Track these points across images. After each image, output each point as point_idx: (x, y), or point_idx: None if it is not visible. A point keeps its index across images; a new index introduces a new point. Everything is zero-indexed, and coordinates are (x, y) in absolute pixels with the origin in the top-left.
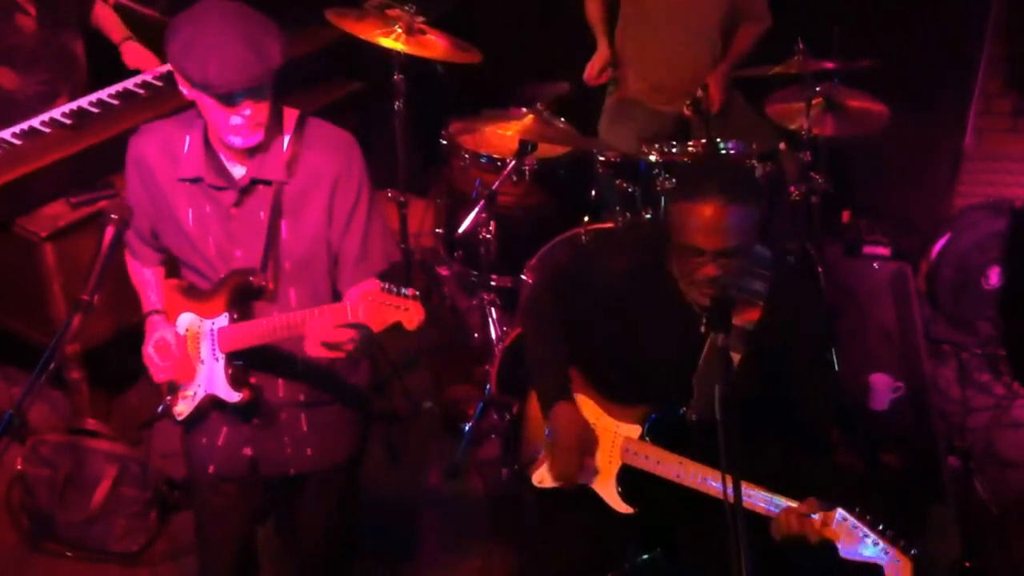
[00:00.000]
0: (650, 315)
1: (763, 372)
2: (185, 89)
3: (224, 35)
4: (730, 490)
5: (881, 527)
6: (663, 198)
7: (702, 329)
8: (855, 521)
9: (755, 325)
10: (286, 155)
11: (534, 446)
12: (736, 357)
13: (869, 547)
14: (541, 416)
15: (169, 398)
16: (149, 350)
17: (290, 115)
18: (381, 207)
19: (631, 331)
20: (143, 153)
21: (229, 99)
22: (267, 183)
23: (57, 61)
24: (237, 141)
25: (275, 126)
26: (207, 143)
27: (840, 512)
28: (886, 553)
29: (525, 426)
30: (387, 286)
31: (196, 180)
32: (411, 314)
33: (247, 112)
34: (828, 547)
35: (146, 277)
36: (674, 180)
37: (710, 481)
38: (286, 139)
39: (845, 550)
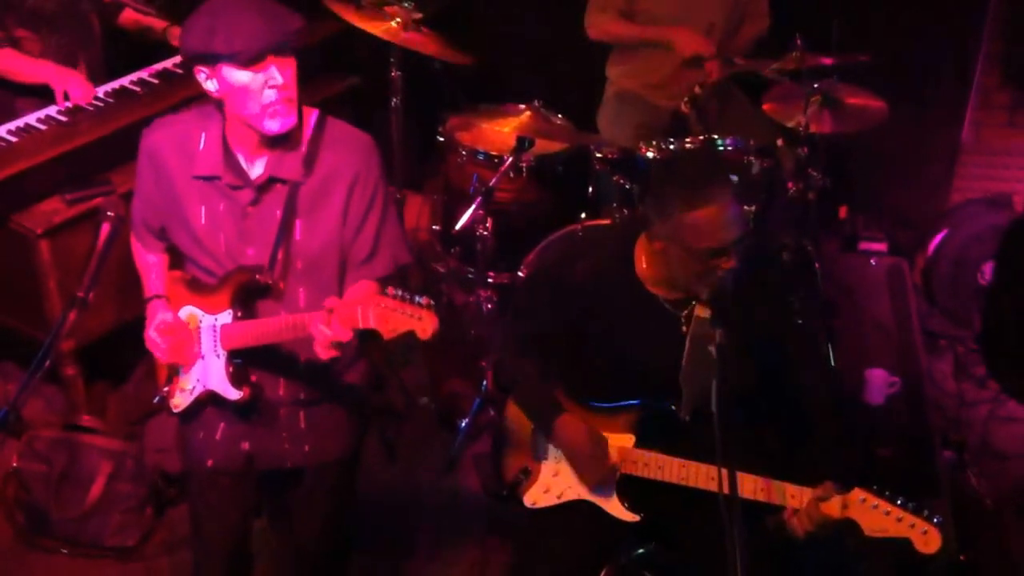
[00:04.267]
0: (624, 317)
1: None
2: (213, 83)
3: (245, 9)
4: (727, 487)
5: (901, 501)
6: None
7: (684, 330)
8: (876, 499)
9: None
10: (304, 154)
11: (518, 467)
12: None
13: (894, 522)
14: (524, 436)
15: (167, 389)
16: (152, 333)
17: (309, 114)
18: (395, 210)
19: (608, 334)
20: (157, 147)
21: (258, 60)
22: (284, 182)
23: (77, 27)
24: (274, 125)
25: (295, 125)
26: (224, 141)
27: (859, 492)
28: (912, 526)
29: (505, 448)
30: (399, 292)
31: (212, 179)
32: (424, 323)
33: (276, 78)
34: (852, 529)
35: (150, 261)
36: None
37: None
38: (305, 138)
39: (870, 529)
